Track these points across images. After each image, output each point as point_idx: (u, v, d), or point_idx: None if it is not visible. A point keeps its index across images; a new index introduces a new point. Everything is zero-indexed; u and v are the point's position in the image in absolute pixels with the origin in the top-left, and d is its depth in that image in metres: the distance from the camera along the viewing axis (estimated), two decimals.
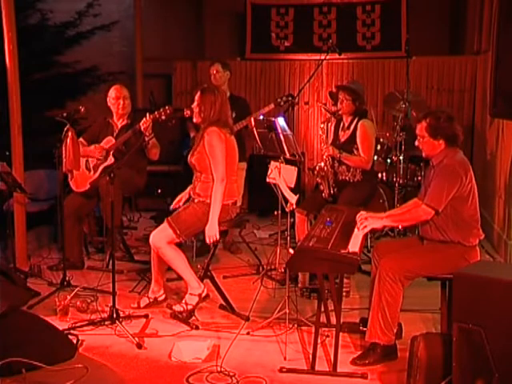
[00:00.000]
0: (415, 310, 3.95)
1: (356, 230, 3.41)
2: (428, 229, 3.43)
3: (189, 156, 4.13)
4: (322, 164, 4.76)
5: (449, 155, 3.37)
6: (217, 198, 3.92)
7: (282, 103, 5.20)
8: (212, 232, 3.91)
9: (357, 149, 4.69)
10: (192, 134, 5.43)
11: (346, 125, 4.80)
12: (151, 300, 4.16)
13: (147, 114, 4.46)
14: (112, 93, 4.94)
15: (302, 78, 7.28)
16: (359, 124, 4.70)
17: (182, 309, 3.96)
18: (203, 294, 3.98)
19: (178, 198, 4.26)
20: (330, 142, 4.86)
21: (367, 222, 3.42)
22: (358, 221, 3.46)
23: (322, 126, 4.92)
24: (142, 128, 4.45)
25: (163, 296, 4.20)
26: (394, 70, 7.14)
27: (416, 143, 3.53)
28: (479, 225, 3.44)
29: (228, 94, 5.08)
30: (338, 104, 4.78)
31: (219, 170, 3.93)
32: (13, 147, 4.95)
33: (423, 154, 3.52)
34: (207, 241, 3.94)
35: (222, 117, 3.99)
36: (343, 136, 4.81)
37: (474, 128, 6.95)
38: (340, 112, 4.78)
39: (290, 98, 5.20)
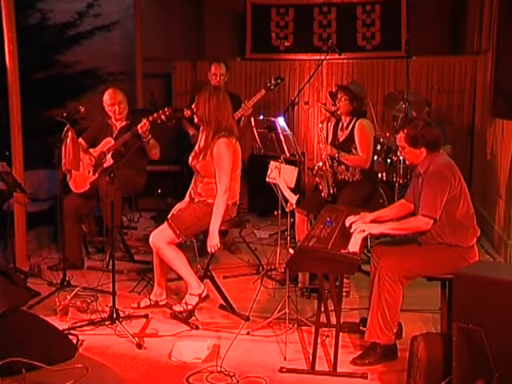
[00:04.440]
0: (415, 310, 3.96)
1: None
2: (424, 238, 3.42)
3: (190, 158, 4.13)
4: (321, 163, 4.76)
5: (434, 161, 3.36)
6: (219, 209, 3.91)
7: (272, 87, 5.21)
8: (213, 242, 3.91)
9: (355, 148, 4.69)
10: (191, 132, 5.43)
11: (345, 125, 4.80)
12: (152, 302, 4.16)
13: (145, 118, 4.45)
14: (106, 99, 4.92)
15: (302, 77, 7.28)
16: (357, 123, 4.70)
17: (182, 309, 3.96)
18: (203, 294, 3.98)
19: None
20: (329, 141, 4.86)
21: (365, 226, 3.41)
22: (348, 223, 3.47)
23: (320, 125, 4.91)
24: (140, 131, 4.45)
25: (165, 301, 4.19)
26: (394, 70, 7.14)
27: (398, 154, 3.52)
28: (474, 222, 3.43)
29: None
30: (337, 103, 4.79)
31: (224, 181, 3.92)
32: (13, 147, 4.95)
33: (407, 163, 3.53)
34: (209, 250, 3.94)
35: (220, 118, 3.93)
36: (342, 136, 4.82)
37: (474, 128, 6.95)
38: (338, 112, 4.79)
39: (278, 81, 5.21)
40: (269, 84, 5.21)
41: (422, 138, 3.34)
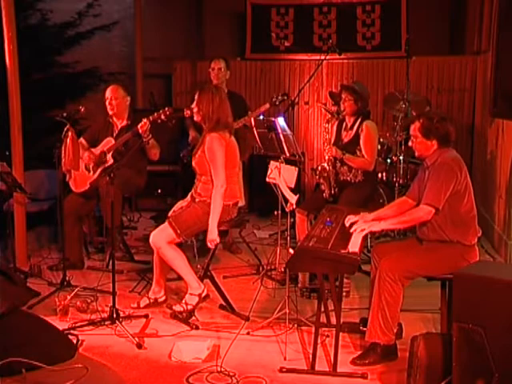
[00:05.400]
0: (415, 310, 3.95)
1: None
2: (425, 230, 3.43)
3: (192, 158, 4.15)
4: (325, 164, 4.75)
5: (442, 154, 3.38)
6: (216, 203, 3.91)
7: (278, 102, 5.20)
8: (212, 237, 3.90)
9: (360, 150, 4.69)
10: (191, 135, 5.43)
11: (349, 125, 4.79)
12: (151, 300, 4.16)
13: (145, 118, 4.46)
14: (106, 93, 4.98)
15: (302, 77, 7.28)
16: (363, 125, 4.68)
17: (181, 309, 3.96)
18: (203, 294, 3.98)
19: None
20: (331, 142, 4.84)
21: (366, 225, 3.42)
22: (348, 223, 3.47)
23: (326, 125, 4.88)
24: (140, 131, 4.46)
25: (163, 297, 4.20)
26: (394, 69, 7.14)
27: (409, 143, 3.55)
28: (476, 222, 3.44)
29: (226, 90, 5.07)
30: (341, 103, 4.77)
31: (219, 175, 3.92)
32: (13, 147, 4.95)
33: (416, 154, 3.54)
34: (209, 245, 3.94)
35: (221, 116, 3.98)
36: (346, 136, 4.80)
37: (474, 128, 6.95)
38: (343, 113, 4.78)
39: (285, 98, 5.21)
40: (274, 99, 5.20)
41: (435, 130, 3.36)
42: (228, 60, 5.51)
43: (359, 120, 4.73)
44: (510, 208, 5.02)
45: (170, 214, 4.13)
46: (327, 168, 4.73)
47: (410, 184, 3.73)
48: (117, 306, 3.84)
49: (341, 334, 3.47)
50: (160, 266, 4.13)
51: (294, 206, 3.93)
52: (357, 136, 4.71)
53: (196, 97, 4.06)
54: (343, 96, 4.73)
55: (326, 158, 4.76)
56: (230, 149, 4.01)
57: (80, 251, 5.07)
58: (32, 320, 3.48)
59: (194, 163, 4.07)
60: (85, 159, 4.86)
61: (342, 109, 4.76)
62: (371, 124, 4.74)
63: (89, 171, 4.89)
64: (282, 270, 4.58)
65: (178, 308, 3.99)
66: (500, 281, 2.59)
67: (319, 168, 4.79)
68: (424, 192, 3.37)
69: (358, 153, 4.70)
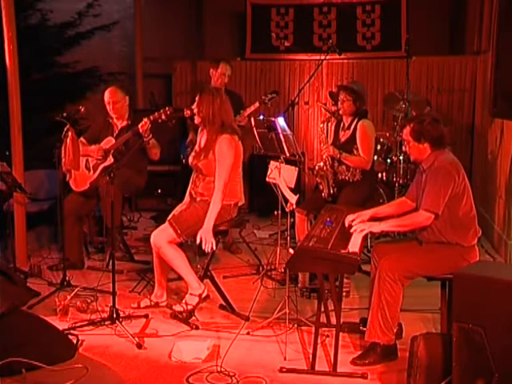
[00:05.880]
0: (415, 310, 3.95)
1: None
2: (425, 234, 3.42)
3: (191, 158, 4.14)
4: (322, 164, 4.76)
5: (438, 157, 3.36)
6: (215, 205, 3.91)
7: (267, 100, 5.21)
8: (204, 234, 3.87)
9: (357, 149, 4.69)
10: (190, 137, 5.43)
11: (346, 125, 4.80)
12: (152, 303, 4.16)
13: (146, 117, 4.46)
14: (105, 96, 4.97)
15: (302, 77, 7.28)
16: (359, 124, 4.69)
17: (182, 309, 3.96)
18: (203, 295, 3.98)
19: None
20: (330, 142, 4.85)
21: (365, 225, 3.41)
22: (348, 223, 3.47)
23: (321, 125, 4.90)
24: (141, 130, 4.46)
25: (165, 302, 4.19)
26: (394, 69, 7.14)
27: (403, 148, 3.54)
28: (476, 222, 3.43)
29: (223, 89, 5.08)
30: (339, 104, 4.77)
31: (223, 177, 3.92)
32: (13, 147, 4.95)
33: (411, 159, 3.53)
34: (197, 241, 3.89)
35: (224, 118, 3.98)
36: (343, 136, 4.81)
37: (474, 128, 6.95)
38: (340, 112, 4.78)
39: (274, 95, 5.22)
40: (264, 97, 5.22)
41: (426, 133, 3.35)
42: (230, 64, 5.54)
43: (356, 119, 4.74)
44: (509, 208, 5.02)
45: (169, 217, 4.12)
46: (324, 167, 4.73)
47: (410, 184, 3.73)
48: (117, 306, 3.84)
49: (341, 333, 3.47)
50: (160, 267, 4.13)
51: (294, 206, 3.93)
52: (354, 135, 4.72)
53: (197, 99, 4.05)
54: (341, 96, 4.73)
55: (324, 157, 4.77)
56: (237, 152, 4.01)
57: (80, 251, 5.07)
58: (32, 320, 3.48)
59: (200, 164, 4.05)
60: (94, 150, 4.85)
61: (340, 109, 4.76)
62: (367, 123, 4.75)
63: (89, 170, 4.90)
64: (282, 270, 4.58)
65: (178, 308, 3.99)
66: (500, 281, 2.59)
67: (316, 167, 4.80)
68: (422, 196, 3.37)
69: (355, 152, 4.70)
